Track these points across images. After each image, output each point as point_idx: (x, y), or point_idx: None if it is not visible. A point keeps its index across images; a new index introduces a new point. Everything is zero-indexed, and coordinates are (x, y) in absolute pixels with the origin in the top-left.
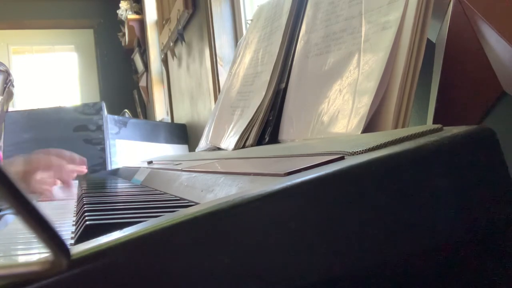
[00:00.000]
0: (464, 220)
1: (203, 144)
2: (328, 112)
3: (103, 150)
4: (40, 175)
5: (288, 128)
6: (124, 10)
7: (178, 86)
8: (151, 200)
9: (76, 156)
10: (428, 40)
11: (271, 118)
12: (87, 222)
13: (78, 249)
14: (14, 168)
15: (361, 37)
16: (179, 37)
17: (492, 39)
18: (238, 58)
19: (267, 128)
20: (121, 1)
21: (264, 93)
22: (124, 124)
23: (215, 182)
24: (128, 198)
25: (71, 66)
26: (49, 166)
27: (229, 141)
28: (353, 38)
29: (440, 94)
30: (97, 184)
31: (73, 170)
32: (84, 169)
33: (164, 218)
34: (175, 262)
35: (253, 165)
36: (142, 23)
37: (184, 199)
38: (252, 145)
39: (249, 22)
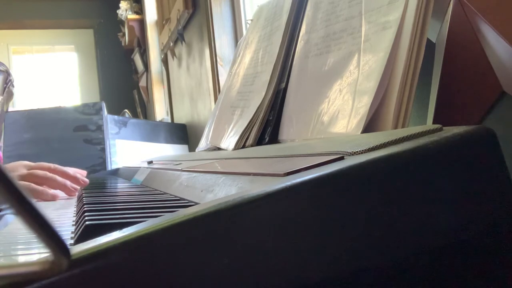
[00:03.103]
0: (464, 220)
1: (203, 144)
2: (328, 112)
3: (103, 150)
4: (42, 188)
5: (288, 128)
6: (124, 10)
7: (178, 86)
8: (151, 200)
9: (79, 176)
10: (428, 40)
11: (271, 118)
12: (87, 222)
13: (78, 249)
14: (17, 173)
15: (361, 37)
16: (179, 37)
17: (492, 39)
18: (238, 58)
19: (267, 128)
20: (121, 1)
21: (264, 93)
22: (124, 124)
23: (215, 182)
24: (128, 198)
25: (71, 66)
26: (53, 182)
27: (229, 141)
28: (353, 38)
29: (440, 94)
30: (97, 184)
31: (75, 189)
32: (85, 184)
33: (164, 218)
34: (175, 262)
35: (253, 165)
36: (142, 23)
37: (184, 199)
38: (252, 145)
39: (249, 22)
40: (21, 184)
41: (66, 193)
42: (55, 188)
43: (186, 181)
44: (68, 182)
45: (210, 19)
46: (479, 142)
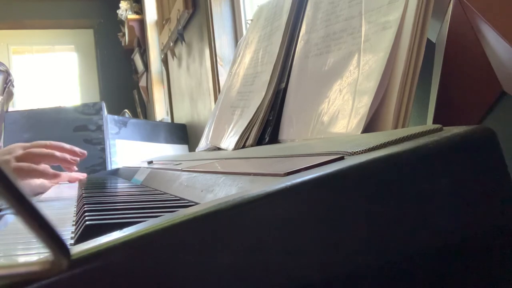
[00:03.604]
0: (464, 220)
1: (203, 144)
2: (328, 112)
3: (103, 150)
4: (43, 167)
5: (288, 128)
6: (124, 10)
7: (178, 86)
8: (151, 200)
9: (77, 149)
10: (428, 40)
11: (271, 118)
12: (87, 222)
13: (78, 249)
14: (14, 154)
15: (361, 37)
16: (179, 37)
17: (492, 39)
18: (238, 58)
19: (267, 128)
20: (121, 1)
21: (264, 93)
22: (124, 124)
23: (215, 182)
24: (128, 198)
25: (71, 66)
26: (52, 158)
27: (229, 141)
28: (353, 38)
29: (440, 94)
30: (97, 184)
31: (75, 161)
32: (84, 156)
33: (164, 218)
34: (175, 262)
35: (253, 165)
36: (142, 23)
37: (184, 199)
38: (252, 145)
39: (249, 22)
40: (21, 165)
41: (67, 167)
42: (55, 163)
43: (186, 181)
44: (67, 156)
45: (210, 19)
46: (479, 142)
